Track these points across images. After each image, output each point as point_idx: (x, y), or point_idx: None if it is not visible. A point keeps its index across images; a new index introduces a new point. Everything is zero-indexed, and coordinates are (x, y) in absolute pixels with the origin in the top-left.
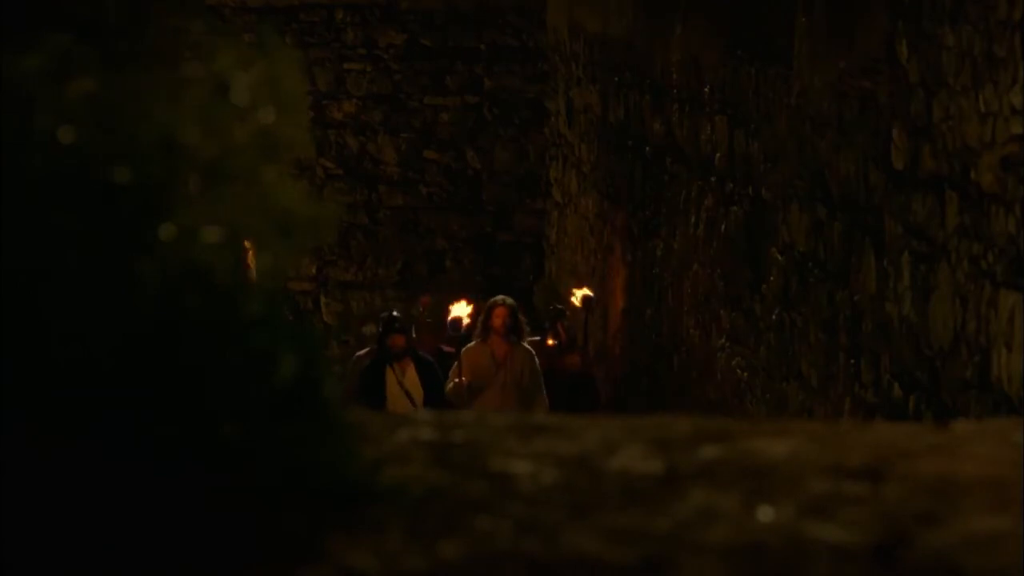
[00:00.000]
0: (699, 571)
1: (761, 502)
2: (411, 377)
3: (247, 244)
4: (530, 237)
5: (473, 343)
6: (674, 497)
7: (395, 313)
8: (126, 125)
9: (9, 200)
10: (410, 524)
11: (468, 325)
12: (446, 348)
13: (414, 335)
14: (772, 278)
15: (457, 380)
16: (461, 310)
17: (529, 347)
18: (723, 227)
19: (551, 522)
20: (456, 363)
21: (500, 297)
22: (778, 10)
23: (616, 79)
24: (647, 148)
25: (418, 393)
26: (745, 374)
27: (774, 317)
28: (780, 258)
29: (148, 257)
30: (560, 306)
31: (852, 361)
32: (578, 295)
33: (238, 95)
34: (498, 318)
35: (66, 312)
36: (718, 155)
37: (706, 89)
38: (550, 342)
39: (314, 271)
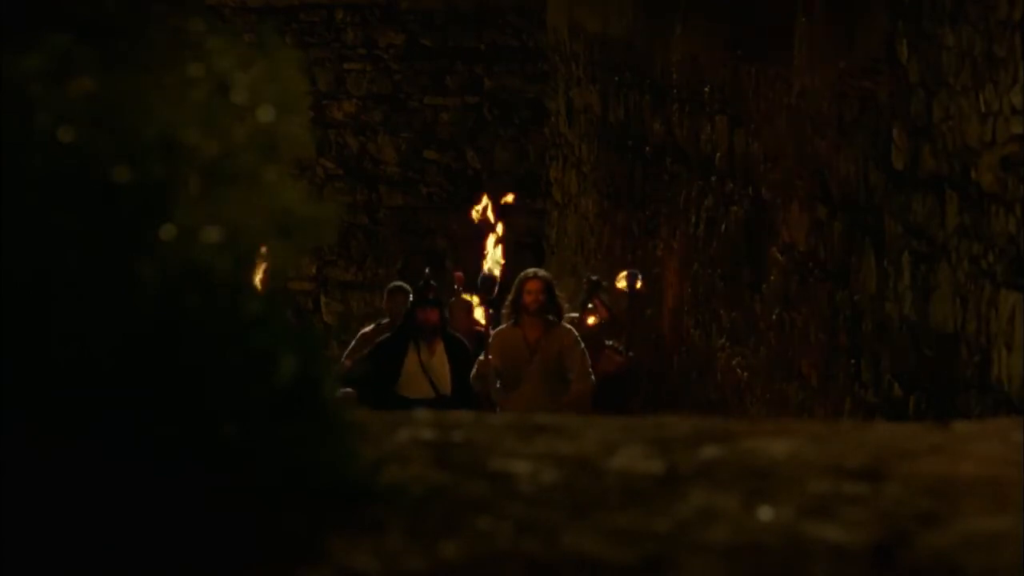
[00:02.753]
0: (699, 571)
1: (761, 502)
2: (439, 361)
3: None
4: (530, 237)
5: (503, 326)
6: (674, 497)
7: (432, 282)
8: (126, 125)
9: (9, 200)
10: (410, 524)
11: (503, 276)
12: (480, 328)
13: (447, 314)
14: (772, 278)
15: (482, 359)
16: (489, 262)
17: (571, 327)
18: (723, 227)
19: (551, 522)
20: (485, 347)
21: (531, 270)
22: (778, 10)
23: (616, 79)
24: (647, 148)
25: (444, 380)
26: (745, 374)
27: (774, 317)
28: (780, 258)
29: (148, 257)
30: (596, 277)
31: (852, 361)
32: (621, 276)
33: (238, 95)
34: (530, 294)
35: (66, 312)
36: (718, 155)
37: (706, 89)
38: (590, 321)
39: (314, 271)
